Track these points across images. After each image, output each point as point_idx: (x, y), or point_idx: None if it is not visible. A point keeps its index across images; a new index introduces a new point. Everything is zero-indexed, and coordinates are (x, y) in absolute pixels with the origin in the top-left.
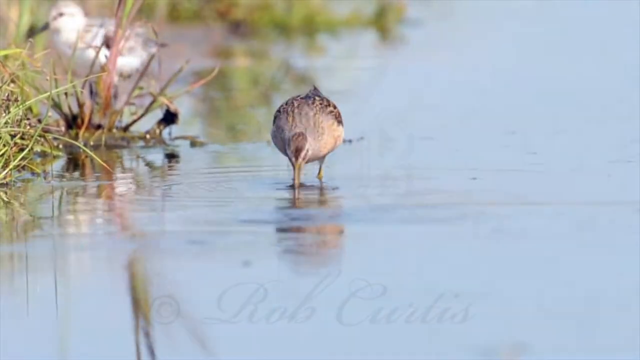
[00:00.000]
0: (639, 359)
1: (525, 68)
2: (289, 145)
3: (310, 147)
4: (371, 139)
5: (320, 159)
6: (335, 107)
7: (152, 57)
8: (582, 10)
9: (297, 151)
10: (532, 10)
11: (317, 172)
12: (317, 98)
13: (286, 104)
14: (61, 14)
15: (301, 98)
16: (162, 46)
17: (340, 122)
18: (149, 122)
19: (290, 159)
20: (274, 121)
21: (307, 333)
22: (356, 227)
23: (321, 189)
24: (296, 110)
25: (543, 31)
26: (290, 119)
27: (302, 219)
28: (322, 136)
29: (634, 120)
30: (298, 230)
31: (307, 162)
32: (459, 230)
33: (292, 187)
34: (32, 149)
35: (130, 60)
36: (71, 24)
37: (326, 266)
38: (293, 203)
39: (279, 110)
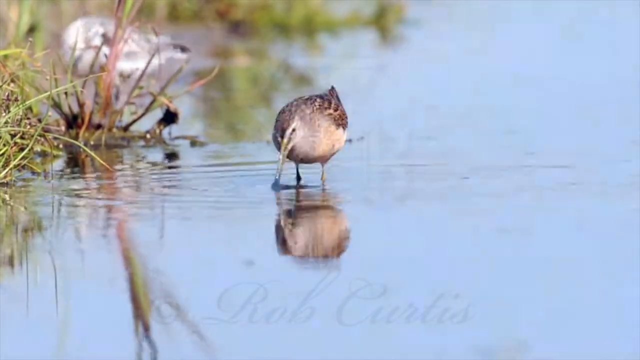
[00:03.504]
0: (638, 357)
1: (525, 68)
2: (276, 127)
3: (301, 130)
4: (371, 139)
5: (320, 161)
6: (336, 110)
7: (151, 57)
8: (582, 11)
9: (283, 130)
10: (532, 11)
11: (320, 174)
12: (318, 99)
13: (287, 104)
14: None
15: (305, 98)
16: (184, 50)
17: (340, 125)
18: (149, 121)
19: (277, 145)
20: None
21: (307, 333)
22: (356, 226)
23: (322, 190)
24: (294, 108)
25: (543, 31)
26: (287, 115)
27: (302, 219)
28: (317, 134)
29: (634, 120)
30: (297, 229)
31: (302, 162)
32: (459, 229)
33: (276, 173)
34: (32, 148)
35: (131, 64)
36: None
37: (326, 265)
38: (273, 187)
39: (281, 111)
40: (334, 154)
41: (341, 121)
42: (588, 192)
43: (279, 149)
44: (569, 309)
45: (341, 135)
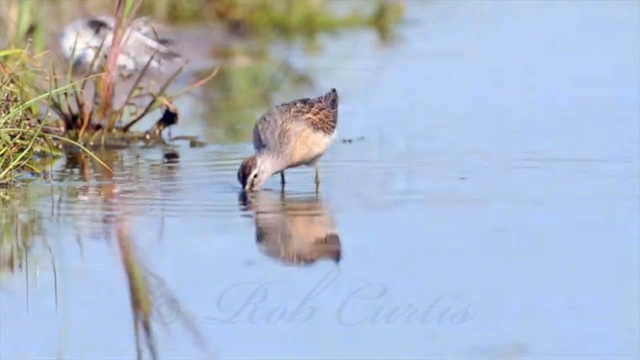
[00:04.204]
0: (638, 358)
1: (525, 68)
2: (238, 171)
3: (264, 172)
4: (371, 139)
5: (304, 165)
6: (316, 114)
7: (152, 57)
8: (582, 10)
9: (244, 176)
10: (532, 10)
11: (314, 176)
12: (298, 104)
13: (264, 114)
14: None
15: (285, 104)
16: (166, 43)
17: (320, 129)
18: (148, 122)
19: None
20: None
21: (307, 333)
22: (356, 226)
23: (320, 191)
24: (267, 117)
25: (543, 31)
26: (260, 126)
27: (302, 218)
28: (286, 146)
29: (634, 120)
30: (297, 229)
31: (278, 173)
32: (459, 229)
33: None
34: (31, 149)
35: (130, 62)
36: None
37: (325, 266)
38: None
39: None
40: (315, 157)
41: (321, 124)
42: (588, 192)
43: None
44: (569, 308)
45: (320, 139)
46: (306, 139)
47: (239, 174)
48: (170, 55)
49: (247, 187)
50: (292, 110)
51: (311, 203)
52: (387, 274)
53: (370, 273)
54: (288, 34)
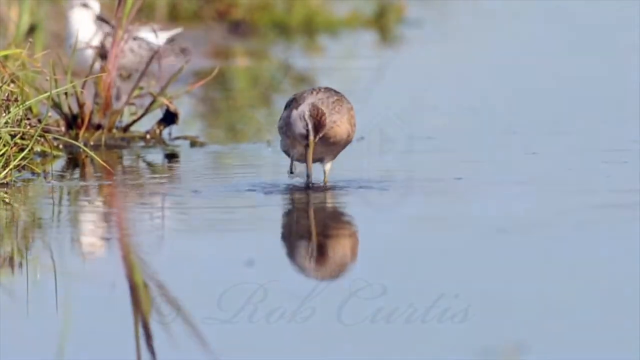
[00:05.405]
0: (639, 358)
1: (525, 68)
2: (305, 117)
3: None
4: (371, 139)
5: (331, 150)
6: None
7: (151, 58)
8: (582, 10)
9: (317, 127)
10: (532, 10)
11: (323, 176)
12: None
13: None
14: (85, 4)
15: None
16: (186, 54)
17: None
18: (149, 122)
19: (304, 135)
20: (287, 106)
21: (307, 333)
22: (356, 226)
23: (323, 191)
24: (323, 89)
25: (543, 31)
26: (314, 92)
27: (302, 218)
28: (336, 114)
29: (634, 120)
30: (297, 229)
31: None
32: (459, 229)
33: (298, 174)
34: (32, 149)
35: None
36: (88, 18)
37: (326, 266)
38: (304, 194)
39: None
40: (347, 142)
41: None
42: (588, 192)
43: (304, 134)
44: (569, 309)
45: (354, 126)
46: (351, 118)
47: (314, 121)
48: (185, 51)
49: (316, 136)
50: (333, 91)
51: (311, 203)
52: (387, 274)
53: (370, 273)
54: (288, 34)
